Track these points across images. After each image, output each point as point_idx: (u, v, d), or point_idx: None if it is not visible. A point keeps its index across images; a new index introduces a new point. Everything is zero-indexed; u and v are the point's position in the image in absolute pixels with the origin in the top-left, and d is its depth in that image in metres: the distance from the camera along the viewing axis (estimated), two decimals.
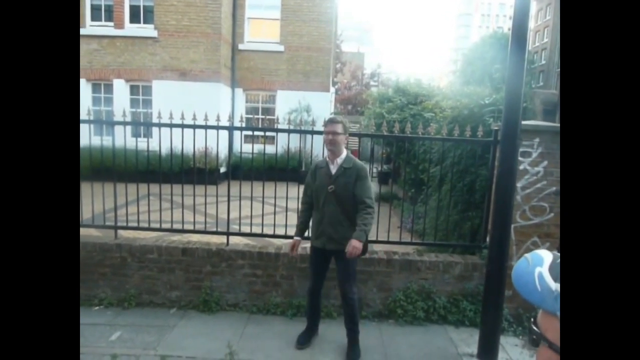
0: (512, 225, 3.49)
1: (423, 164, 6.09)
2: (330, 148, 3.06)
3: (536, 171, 3.65)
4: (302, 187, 3.36)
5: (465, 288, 3.86)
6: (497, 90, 5.47)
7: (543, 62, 43.83)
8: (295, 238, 3.27)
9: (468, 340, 3.50)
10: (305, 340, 3.33)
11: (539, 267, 0.92)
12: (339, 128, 3.04)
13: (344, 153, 3.12)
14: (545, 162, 3.64)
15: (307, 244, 3.37)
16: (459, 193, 4.45)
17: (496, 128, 3.77)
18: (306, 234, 3.34)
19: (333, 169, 3.08)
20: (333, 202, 3.04)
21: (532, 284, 0.91)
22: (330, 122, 3.09)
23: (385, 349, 3.35)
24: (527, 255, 0.96)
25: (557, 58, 39.54)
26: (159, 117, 3.84)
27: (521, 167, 3.57)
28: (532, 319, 0.96)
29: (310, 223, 3.29)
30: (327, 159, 3.14)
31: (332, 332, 3.51)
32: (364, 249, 3.14)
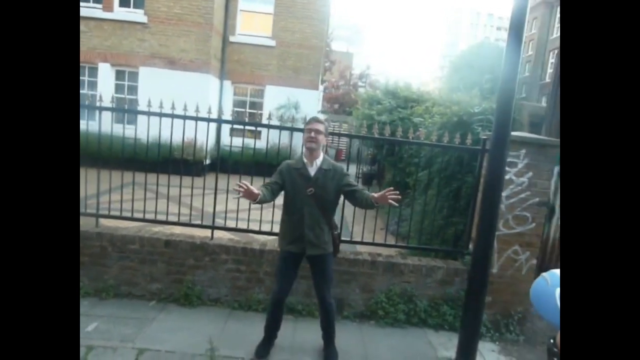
0: (495, 233, 3.56)
1: (409, 167, 6.15)
2: (311, 146, 2.91)
3: (521, 181, 3.73)
4: None
5: (446, 292, 3.91)
6: (485, 99, 5.56)
7: (527, 74, 44.78)
8: (257, 191, 2.69)
9: (447, 344, 3.55)
10: (265, 352, 3.11)
11: (559, 287, 0.92)
12: (322, 128, 2.95)
13: (321, 154, 3.00)
14: (530, 173, 3.72)
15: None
16: (444, 198, 4.50)
17: (485, 137, 3.84)
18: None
19: (312, 171, 2.94)
20: (312, 205, 2.91)
21: (552, 304, 0.91)
22: (313, 120, 2.98)
23: (366, 350, 3.38)
24: (544, 274, 0.96)
25: (539, 71, 40.47)
26: (149, 105, 3.77)
27: (507, 177, 3.64)
28: (551, 340, 0.97)
29: (280, 227, 3.10)
30: (305, 160, 2.97)
31: (313, 332, 3.51)
32: (337, 249, 3.17)
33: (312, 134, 2.90)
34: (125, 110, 4.02)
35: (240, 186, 2.63)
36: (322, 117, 14.76)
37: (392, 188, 2.73)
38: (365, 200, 2.87)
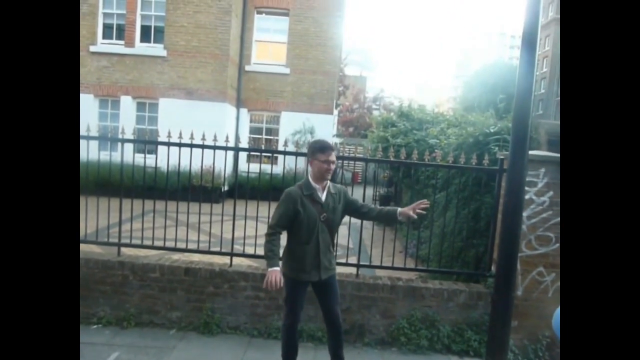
0: (518, 255, 3.48)
1: (426, 189, 6.10)
2: (328, 177, 2.88)
3: (542, 201, 3.66)
4: None
5: (469, 317, 3.81)
6: (500, 118, 5.53)
7: (542, 91, 44.49)
8: (275, 269, 2.78)
9: None
10: None
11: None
12: (334, 156, 2.89)
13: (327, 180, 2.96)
14: (551, 192, 3.65)
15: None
16: (463, 220, 4.44)
17: (502, 157, 3.81)
18: None
19: (322, 196, 2.89)
20: (325, 231, 2.89)
21: None
22: (330, 149, 2.86)
23: None
24: None
25: (556, 87, 40.05)
26: (169, 136, 3.88)
27: (527, 197, 3.58)
28: None
29: (288, 256, 2.98)
30: (316, 185, 2.89)
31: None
32: None
33: (332, 166, 2.85)
34: (146, 141, 4.14)
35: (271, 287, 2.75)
36: (337, 140, 14.86)
37: (425, 200, 2.75)
38: (386, 214, 2.92)
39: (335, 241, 3.06)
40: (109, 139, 4.11)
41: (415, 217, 2.74)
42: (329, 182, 2.97)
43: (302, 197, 2.85)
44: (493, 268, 3.77)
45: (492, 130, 4.53)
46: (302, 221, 2.83)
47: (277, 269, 2.79)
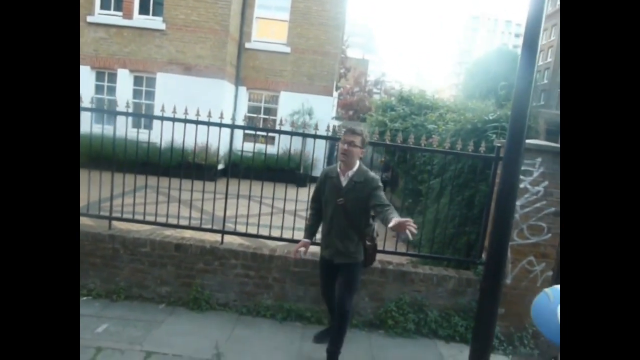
0: (509, 243, 3.47)
1: (422, 174, 6.08)
2: (343, 159, 2.92)
3: (536, 190, 3.65)
4: (300, 190, 3.32)
5: (457, 303, 3.83)
6: (501, 106, 5.47)
7: (545, 81, 44.14)
8: (304, 240, 3.16)
9: (457, 357, 3.47)
10: (320, 336, 3.38)
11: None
12: (358, 140, 2.88)
13: (356, 165, 2.95)
14: (546, 182, 3.63)
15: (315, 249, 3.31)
16: (457, 207, 4.43)
17: (499, 145, 3.77)
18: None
19: (343, 182, 2.94)
20: (341, 216, 2.92)
21: (554, 322, 0.87)
22: (349, 131, 2.92)
23: None
24: (547, 290, 0.93)
25: (559, 78, 39.84)
26: (162, 110, 3.81)
27: (521, 186, 3.56)
28: (553, 359, 0.93)
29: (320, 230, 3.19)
30: (339, 170, 2.98)
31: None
32: (372, 260, 3.12)
33: (346, 147, 2.86)
34: (139, 115, 4.08)
35: (298, 252, 3.11)
36: (335, 123, 14.75)
37: (410, 220, 2.53)
38: (383, 220, 2.77)
39: (360, 230, 2.98)
40: (101, 110, 4.05)
41: (411, 238, 2.59)
42: (357, 169, 2.94)
43: (328, 178, 3.01)
44: (484, 256, 3.78)
45: (490, 118, 4.48)
46: (324, 200, 3.05)
47: (306, 240, 3.14)
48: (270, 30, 12.40)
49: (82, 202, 4.01)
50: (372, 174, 3.00)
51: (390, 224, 2.49)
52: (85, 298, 3.77)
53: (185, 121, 3.78)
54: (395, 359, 3.37)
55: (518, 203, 3.58)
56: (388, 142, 3.99)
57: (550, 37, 45.43)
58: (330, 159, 10.25)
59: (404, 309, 3.77)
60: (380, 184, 2.94)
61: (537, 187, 3.64)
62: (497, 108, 5.09)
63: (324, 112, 12.02)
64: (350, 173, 2.94)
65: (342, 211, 2.92)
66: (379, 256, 4.07)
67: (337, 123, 16.13)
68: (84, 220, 4.30)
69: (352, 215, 2.93)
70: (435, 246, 4.32)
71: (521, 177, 3.48)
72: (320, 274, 3.29)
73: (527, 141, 3.45)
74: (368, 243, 3.01)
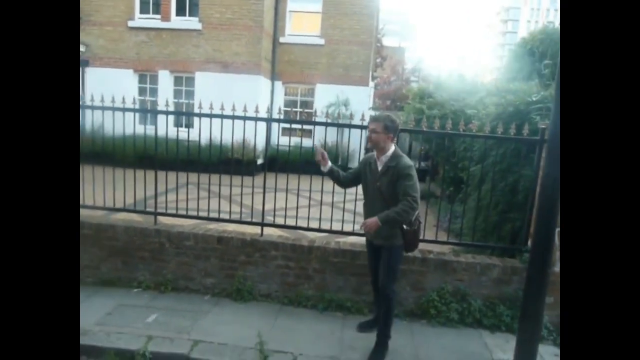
0: (556, 229, 3.31)
1: (463, 162, 5.90)
2: (369, 146, 3.12)
3: None
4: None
5: (503, 292, 3.71)
6: (545, 87, 5.19)
7: None
8: (329, 163, 3.25)
9: (504, 347, 3.37)
10: (365, 325, 3.49)
11: None
12: (378, 127, 2.97)
13: (391, 150, 3.02)
14: None
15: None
16: (500, 193, 4.27)
17: (543, 126, 3.59)
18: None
19: (379, 166, 3.06)
20: (379, 199, 3.03)
21: None
22: (371, 119, 3.12)
23: (417, 350, 3.29)
24: None
25: None
26: (200, 107, 3.92)
27: None
28: None
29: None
30: (374, 156, 3.13)
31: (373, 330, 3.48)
32: (413, 245, 3.11)
33: (369, 134, 3.06)
34: (178, 112, 4.21)
35: (320, 153, 3.16)
36: (372, 113, 14.60)
37: (371, 224, 2.86)
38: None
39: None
40: (141, 110, 4.22)
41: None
42: (391, 154, 3.02)
43: (367, 163, 3.17)
44: (529, 243, 3.63)
45: (534, 99, 4.27)
46: (363, 184, 3.22)
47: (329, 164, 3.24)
48: (303, 23, 12.42)
49: (129, 200, 4.24)
50: (405, 160, 2.98)
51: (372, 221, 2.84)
52: (135, 290, 3.98)
53: (222, 117, 3.87)
54: (438, 348, 3.32)
55: None
56: (425, 129, 3.90)
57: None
58: (367, 148, 10.17)
59: (446, 299, 3.70)
60: (411, 172, 2.90)
61: None
62: (541, 88, 4.84)
63: (360, 102, 11.91)
64: (384, 158, 3.04)
65: (379, 194, 3.03)
66: (419, 245, 4.02)
67: (373, 113, 15.95)
68: (132, 217, 4.53)
69: (388, 198, 2.98)
70: (478, 234, 4.19)
71: None
72: (367, 256, 3.41)
73: None
74: (405, 227, 2.98)
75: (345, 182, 3.31)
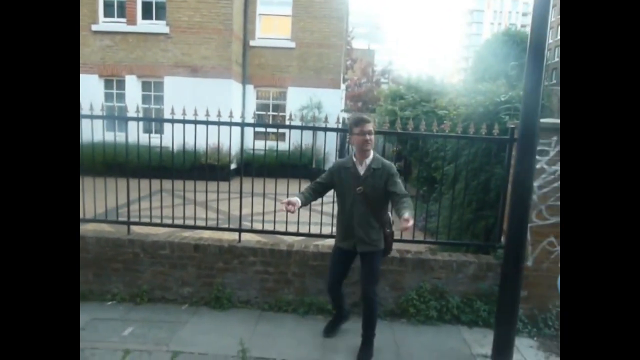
0: (529, 225, 3.43)
1: (436, 161, 6.02)
2: (366, 148, 2.94)
3: (554, 170, 3.58)
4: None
5: (479, 288, 3.80)
6: (512, 87, 5.37)
7: (556, 59, 43.22)
8: (296, 199, 2.92)
9: (482, 341, 3.45)
10: (330, 331, 3.43)
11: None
12: (373, 127, 2.96)
13: (372, 153, 3.01)
14: None
15: (319, 241, 3.34)
16: (473, 192, 4.38)
17: (512, 126, 3.71)
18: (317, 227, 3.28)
19: (361, 170, 2.98)
20: (363, 204, 2.95)
21: None
22: (364, 121, 2.93)
23: (398, 349, 3.32)
24: None
25: None
26: (172, 113, 3.84)
27: (538, 166, 3.50)
28: None
29: (335, 225, 3.22)
30: (354, 159, 3.01)
31: (346, 331, 3.48)
32: (390, 247, 3.15)
33: (367, 137, 2.90)
34: (149, 119, 4.11)
35: (283, 204, 2.86)
36: (345, 115, 14.68)
37: (409, 224, 2.55)
38: (397, 211, 2.78)
39: (381, 218, 3.03)
40: (112, 117, 4.09)
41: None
42: (373, 157, 2.99)
43: (343, 169, 3.03)
44: (503, 239, 3.74)
45: (502, 99, 4.41)
46: (339, 191, 3.07)
47: (296, 199, 2.92)
48: (274, 27, 12.39)
49: (100, 209, 4.09)
50: (386, 160, 3.05)
51: (404, 222, 2.56)
52: (110, 303, 3.84)
53: (196, 122, 3.80)
54: (418, 346, 3.36)
55: (535, 184, 3.52)
56: (399, 131, 3.96)
57: (559, 15, 44.40)
58: (342, 151, 10.22)
59: (425, 297, 3.76)
60: (396, 170, 2.98)
61: (554, 166, 3.57)
62: (509, 89, 5.00)
63: (333, 105, 11.97)
64: (367, 161, 2.98)
65: (362, 199, 2.95)
66: (397, 245, 4.07)
67: (346, 115, 16.05)
68: (103, 227, 4.38)
69: (373, 202, 2.96)
70: (453, 232, 4.28)
71: (537, 157, 3.41)
72: (331, 267, 3.27)
73: (542, 120, 3.38)
74: (387, 230, 3.03)
75: (317, 197, 3.13)
